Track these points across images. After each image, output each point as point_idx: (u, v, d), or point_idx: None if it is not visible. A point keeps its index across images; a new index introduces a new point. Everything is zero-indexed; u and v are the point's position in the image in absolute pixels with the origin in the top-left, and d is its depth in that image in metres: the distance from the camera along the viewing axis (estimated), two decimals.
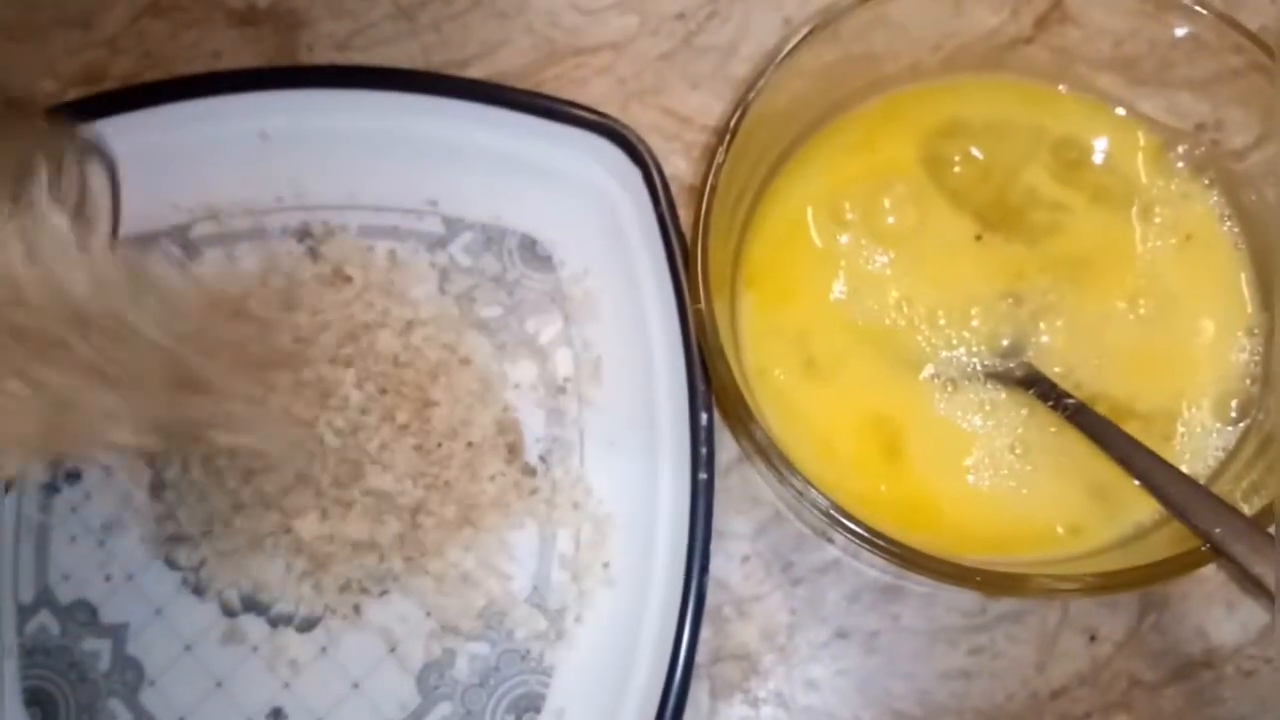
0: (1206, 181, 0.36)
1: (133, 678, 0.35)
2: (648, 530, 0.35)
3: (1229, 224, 0.35)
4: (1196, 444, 0.34)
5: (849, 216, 0.36)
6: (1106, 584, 0.29)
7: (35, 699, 0.34)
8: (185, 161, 0.37)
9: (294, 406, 0.35)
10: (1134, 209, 0.36)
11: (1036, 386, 0.33)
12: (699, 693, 0.35)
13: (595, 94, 0.40)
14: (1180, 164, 0.36)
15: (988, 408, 0.34)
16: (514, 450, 0.36)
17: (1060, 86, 0.37)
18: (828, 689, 0.35)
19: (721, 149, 0.32)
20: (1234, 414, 0.34)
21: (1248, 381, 0.34)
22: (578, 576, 0.35)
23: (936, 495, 0.33)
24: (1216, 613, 0.35)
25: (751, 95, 0.33)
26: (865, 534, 0.30)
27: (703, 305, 0.32)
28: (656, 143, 0.38)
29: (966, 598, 0.35)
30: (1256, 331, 0.34)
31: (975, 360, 0.34)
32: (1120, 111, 0.36)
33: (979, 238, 0.36)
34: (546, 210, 0.38)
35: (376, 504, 0.35)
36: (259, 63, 0.40)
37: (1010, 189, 0.36)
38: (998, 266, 0.35)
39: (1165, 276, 0.35)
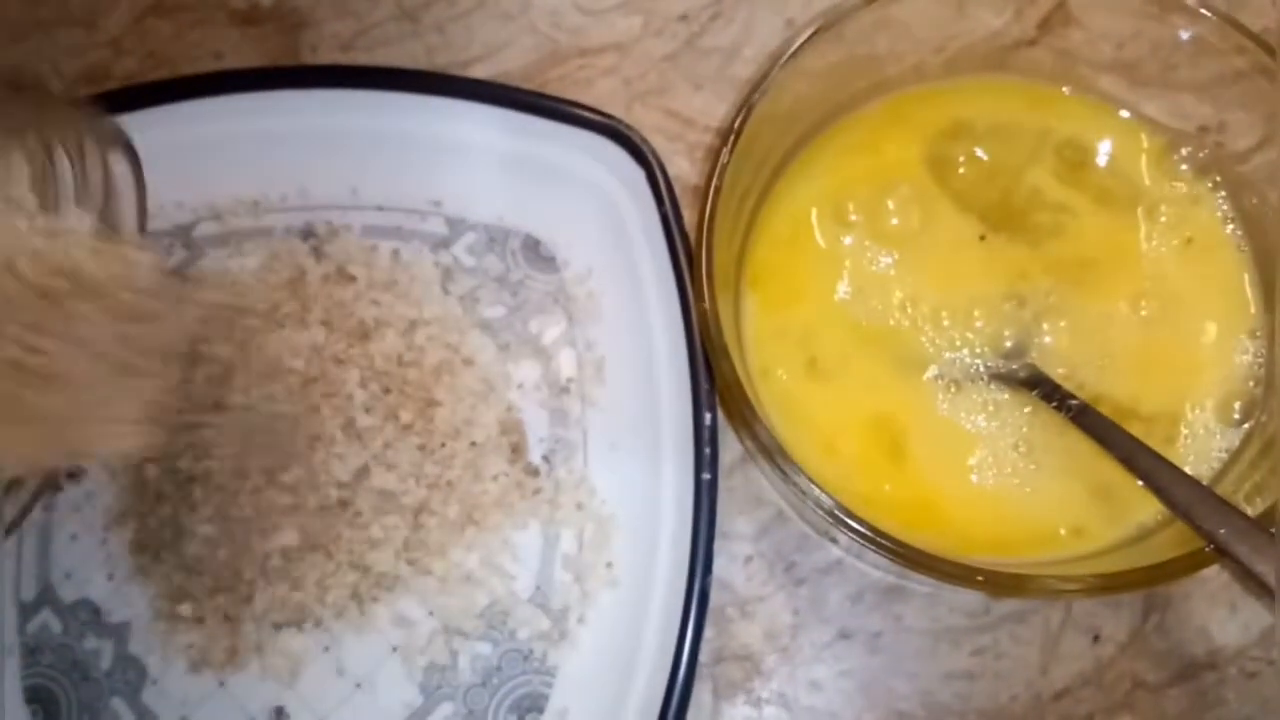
0: (1210, 184, 0.36)
1: (134, 676, 0.35)
2: (651, 530, 0.35)
3: (1232, 226, 0.35)
4: (1200, 445, 0.34)
5: (853, 217, 0.36)
6: (1110, 585, 0.29)
7: (37, 697, 0.34)
8: (189, 161, 0.37)
9: (298, 406, 0.35)
10: (1137, 211, 0.36)
11: (1040, 387, 0.33)
12: (702, 693, 0.35)
13: (599, 95, 0.40)
14: (1184, 166, 0.36)
15: (991, 408, 0.34)
16: (517, 450, 0.36)
17: (1064, 88, 0.37)
18: (831, 689, 0.35)
19: (725, 150, 0.32)
20: (1237, 416, 0.34)
21: (1251, 383, 0.34)
22: (581, 577, 0.35)
23: (940, 496, 0.33)
24: (1220, 614, 0.35)
25: (755, 96, 0.33)
26: (868, 534, 0.30)
27: (706, 305, 0.32)
28: (660, 143, 0.38)
29: (969, 598, 0.36)
30: (1259, 333, 0.34)
31: (979, 361, 0.34)
32: (1124, 113, 0.36)
33: (983, 238, 0.36)
34: (550, 211, 0.38)
35: (380, 503, 0.35)
36: (262, 63, 0.40)
37: (1014, 190, 0.36)
38: (1001, 267, 0.35)
39: (1169, 278, 0.35)
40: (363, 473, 0.35)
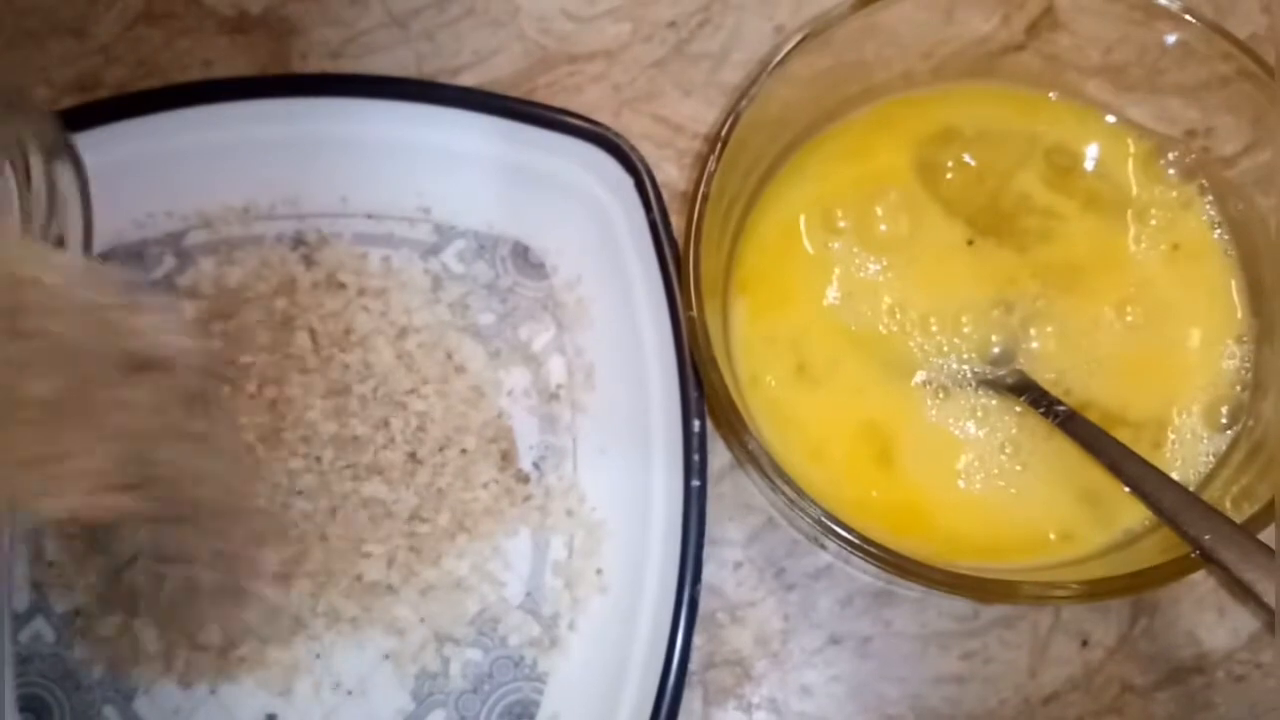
0: (1197, 188, 0.36)
1: (126, 685, 0.35)
2: (641, 537, 0.35)
3: (1219, 231, 0.35)
4: (1187, 451, 0.34)
5: (841, 224, 0.36)
6: (1098, 591, 0.30)
7: (29, 706, 0.34)
8: (179, 169, 0.38)
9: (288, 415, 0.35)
10: (1125, 215, 0.36)
11: (1027, 393, 0.33)
12: (692, 699, 0.35)
13: (588, 101, 0.40)
14: (1171, 171, 0.36)
15: (979, 414, 0.34)
16: (507, 457, 0.36)
17: (1051, 93, 0.37)
18: (821, 695, 0.35)
19: (713, 157, 0.32)
20: (1224, 421, 0.34)
21: (1238, 388, 0.34)
22: (571, 583, 0.35)
23: (928, 501, 0.34)
24: (1207, 618, 0.36)
25: (743, 103, 0.33)
26: (857, 541, 0.30)
27: (694, 312, 0.32)
28: (649, 150, 0.38)
29: (959, 603, 0.36)
30: (1246, 338, 0.35)
31: (967, 367, 0.34)
32: (1110, 118, 0.36)
33: (971, 243, 0.36)
34: (539, 218, 0.38)
35: (370, 511, 0.35)
36: (252, 71, 0.40)
37: (1003, 195, 0.36)
38: (989, 273, 0.35)
39: (1156, 283, 0.35)
40: (353, 480, 0.35)
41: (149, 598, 0.33)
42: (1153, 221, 0.36)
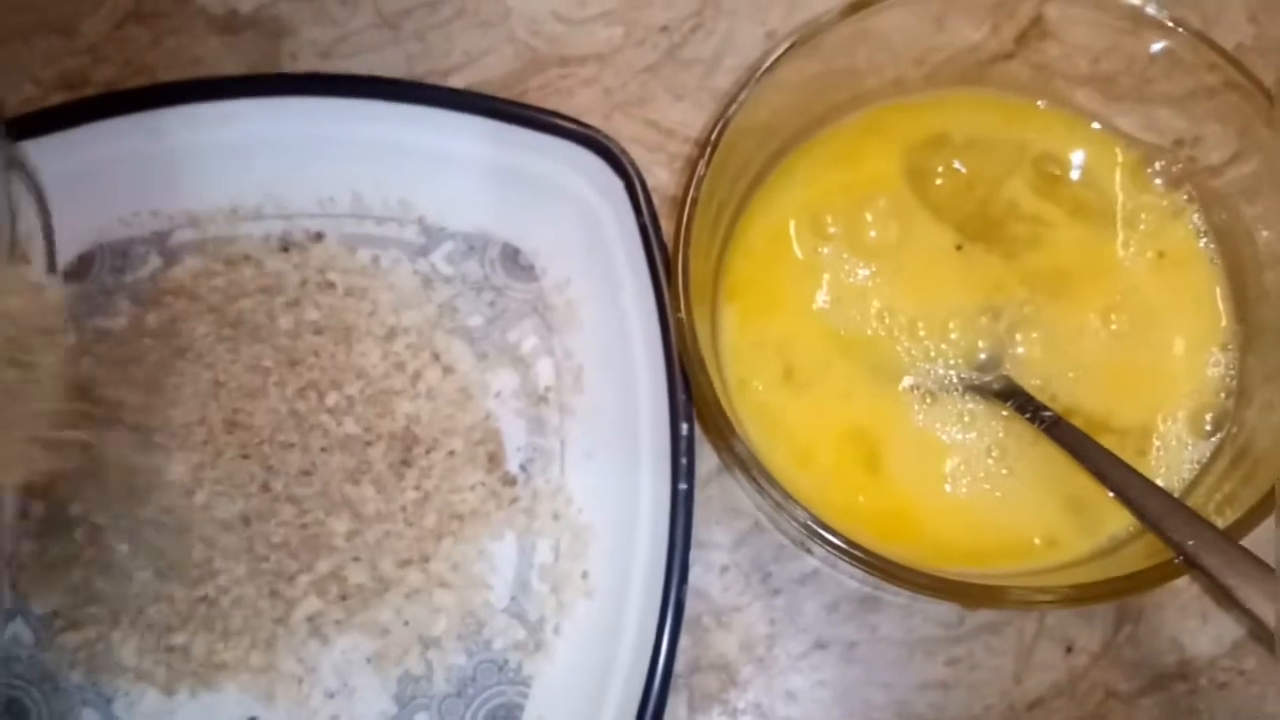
0: (1184, 197, 0.36)
1: (106, 689, 0.34)
2: (627, 540, 0.35)
3: (1205, 239, 0.36)
4: (1171, 457, 0.34)
5: (831, 230, 0.36)
6: (1082, 595, 0.30)
7: (8, 709, 0.34)
8: (166, 168, 0.37)
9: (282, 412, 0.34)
10: (1112, 223, 0.36)
11: (1014, 399, 0.34)
12: (677, 704, 0.35)
13: (579, 104, 0.40)
14: (1158, 180, 0.36)
15: (966, 419, 0.34)
16: (494, 459, 0.36)
17: (1040, 102, 0.37)
18: (807, 700, 0.35)
19: (702, 161, 0.32)
20: (1208, 428, 0.34)
21: (1222, 395, 0.34)
22: (557, 587, 0.35)
23: (915, 506, 0.34)
24: (1191, 624, 0.36)
25: (733, 108, 0.33)
26: (843, 545, 0.30)
27: (683, 316, 0.32)
28: (639, 154, 0.38)
29: (944, 609, 0.36)
30: (1231, 346, 0.35)
31: (953, 372, 0.35)
32: (1098, 127, 0.37)
33: (960, 249, 0.36)
34: (529, 220, 0.38)
35: (355, 511, 0.35)
36: (241, 70, 0.40)
37: (992, 202, 0.36)
38: (977, 279, 0.35)
39: (1142, 291, 0.35)
40: (339, 481, 0.35)
41: (130, 608, 0.33)
42: (1139, 231, 0.36)
